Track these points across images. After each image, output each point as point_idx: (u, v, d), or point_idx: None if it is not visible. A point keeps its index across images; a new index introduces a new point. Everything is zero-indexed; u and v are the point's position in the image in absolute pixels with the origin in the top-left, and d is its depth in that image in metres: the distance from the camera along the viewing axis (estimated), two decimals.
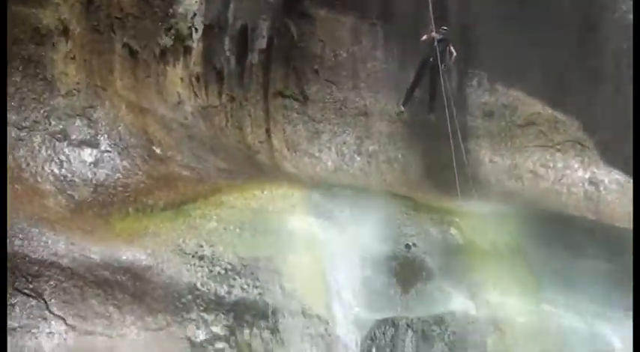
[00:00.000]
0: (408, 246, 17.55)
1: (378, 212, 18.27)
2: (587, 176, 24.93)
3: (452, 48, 22.77)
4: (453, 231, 18.45)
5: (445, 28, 22.86)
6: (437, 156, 21.58)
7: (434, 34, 22.50)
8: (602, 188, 24.68)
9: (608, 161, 24.82)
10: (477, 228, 18.74)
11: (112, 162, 17.52)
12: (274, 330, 14.99)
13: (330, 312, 15.66)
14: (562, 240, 18.89)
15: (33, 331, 13.70)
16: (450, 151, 21.64)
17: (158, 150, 18.81)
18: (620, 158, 24.22)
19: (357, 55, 24.78)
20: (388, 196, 19.86)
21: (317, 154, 23.56)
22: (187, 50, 21.46)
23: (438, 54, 22.33)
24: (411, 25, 24.82)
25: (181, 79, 21.25)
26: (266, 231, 16.39)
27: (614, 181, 24.64)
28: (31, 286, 13.88)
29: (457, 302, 16.75)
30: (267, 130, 23.05)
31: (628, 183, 24.28)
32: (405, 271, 17.13)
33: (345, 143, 24.03)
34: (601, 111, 24.41)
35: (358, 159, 23.97)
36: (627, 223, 21.14)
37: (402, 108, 23.17)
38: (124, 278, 14.55)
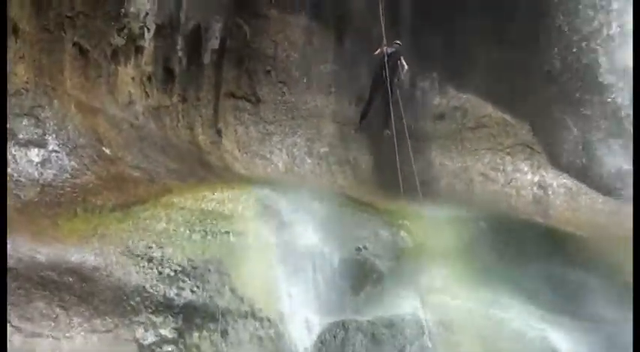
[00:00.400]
0: (358, 249, 17.55)
1: (329, 214, 18.29)
2: (536, 179, 25.02)
3: (403, 61, 22.49)
4: (403, 233, 18.47)
5: (398, 42, 22.66)
6: (388, 158, 21.55)
7: (385, 48, 22.31)
8: (550, 192, 24.79)
9: (557, 165, 24.98)
10: (428, 231, 18.78)
11: (60, 162, 17.37)
12: (224, 333, 14.89)
13: (281, 315, 15.58)
14: (511, 243, 18.97)
15: None
16: (402, 154, 21.59)
17: (108, 151, 18.69)
18: (569, 162, 24.41)
19: (310, 57, 24.75)
20: (339, 198, 19.88)
21: (268, 155, 23.52)
22: (139, 50, 21.34)
23: (387, 69, 22.02)
24: (362, 26, 24.89)
25: (133, 78, 21.13)
26: (216, 232, 16.32)
27: (562, 185, 24.75)
28: None
29: (407, 306, 16.68)
30: (219, 131, 22.98)
31: (576, 186, 24.48)
32: (356, 274, 17.10)
33: (296, 144, 24.01)
34: (549, 114, 24.54)
35: (309, 160, 23.95)
36: (574, 227, 21.32)
37: (360, 125, 22.75)
38: (71, 279, 14.41)
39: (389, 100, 21.79)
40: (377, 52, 22.71)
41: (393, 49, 22.31)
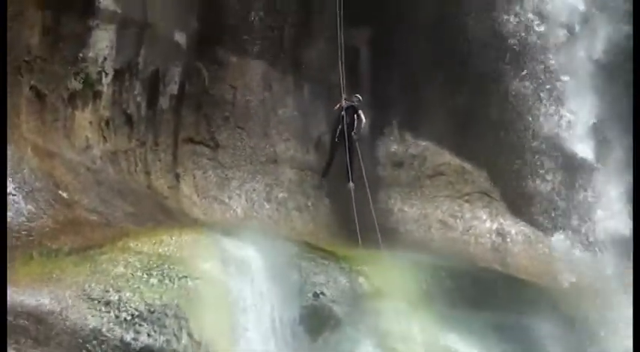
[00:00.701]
0: (316, 295, 17.50)
1: (287, 260, 18.25)
2: (494, 227, 25.17)
3: (361, 114, 22.24)
4: (361, 279, 18.45)
5: (358, 96, 22.52)
6: (346, 204, 21.55)
7: (344, 101, 22.03)
8: (509, 239, 24.94)
9: (515, 212, 25.12)
10: (386, 278, 18.79)
11: (16, 205, 17.20)
12: None
13: None
14: (469, 291, 19.06)
15: None
16: (359, 200, 21.55)
17: (64, 194, 18.55)
18: (526, 209, 24.55)
19: (268, 102, 24.72)
20: (297, 244, 19.81)
21: (226, 201, 23.44)
22: (97, 94, 21.27)
23: (345, 123, 21.82)
24: (321, 73, 25.00)
25: (90, 122, 21.03)
26: (174, 277, 16.14)
27: (520, 233, 24.92)
28: None
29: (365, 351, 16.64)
30: (177, 176, 22.87)
31: (534, 234, 24.62)
32: (313, 319, 17.07)
33: (254, 190, 23.93)
34: (507, 162, 24.72)
35: (267, 206, 23.90)
36: (532, 275, 21.41)
37: (323, 181, 22.36)
38: (26, 322, 14.21)
39: (349, 154, 21.51)
40: (336, 107, 22.54)
41: (352, 103, 22.06)
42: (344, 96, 21.86)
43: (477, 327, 17.68)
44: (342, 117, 21.81)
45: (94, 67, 21.06)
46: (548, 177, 24.09)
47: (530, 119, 24.47)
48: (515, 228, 25.03)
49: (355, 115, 21.76)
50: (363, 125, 22.51)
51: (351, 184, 21.32)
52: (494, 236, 25.11)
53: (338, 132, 21.61)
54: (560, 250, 23.80)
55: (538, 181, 23.94)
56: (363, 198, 22.03)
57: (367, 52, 25.53)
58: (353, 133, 21.90)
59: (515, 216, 25.11)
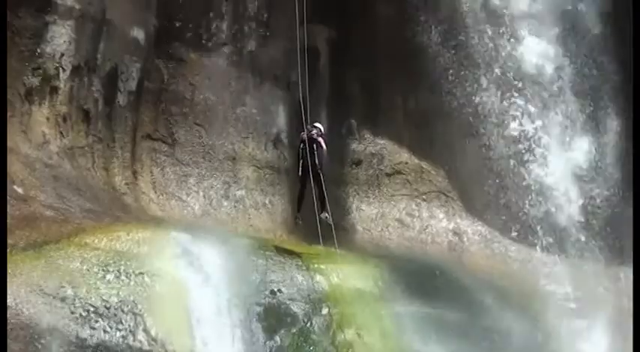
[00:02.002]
0: (273, 292, 17.50)
1: (245, 257, 18.27)
2: (451, 226, 25.31)
3: (322, 142, 21.54)
4: (318, 277, 18.47)
5: (317, 125, 21.79)
6: (304, 202, 21.49)
7: (304, 134, 21.29)
8: (465, 239, 25.08)
9: (471, 212, 25.24)
10: (343, 275, 18.82)
11: None
12: None
13: None
14: (425, 289, 19.09)
15: None
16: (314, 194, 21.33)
17: (20, 190, 18.43)
18: (483, 210, 24.68)
19: (227, 100, 24.70)
20: (254, 242, 19.82)
21: (184, 198, 23.36)
22: (54, 90, 21.16)
23: (308, 154, 21.04)
24: (281, 71, 25.02)
25: (47, 118, 20.92)
26: (131, 273, 16.11)
27: (477, 232, 25.07)
28: None
29: (321, 350, 16.68)
30: (135, 172, 22.77)
31: (490, 234, 24.76)
32: (270, 317, 17.05)
33: (212, 187, 23.89)
34: (464, 162, 24.83)
35: (225, 203, 23.85)
36: (488, 274, 21.52)
37: (298, 215, 21.70)
38: None
39: (321, 186, 20.83)
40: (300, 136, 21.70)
41: (312, 133, 21.13)
42: (307, 127, 21.11)
43: (433, 325, 17.74)
44: (306, 148, 20.77)
45: (52, 62, 20.96)
46: (505, 178, 24.17)
47: (490, 120, 24.58)
48: (472, 228, 25.19)
49: (315, 145, 20.88)
50: (324, 153, 21.53)
51: (324, 215, 20.55)
52: (450, 235, 25.25)
53: (300, 165, 20.76)
54: (516, 249, 24.00)
55: (495, 182, 23.98)
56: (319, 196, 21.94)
57: (327, 51, 25.58)
58: (317, 165, 20.86)
59: (471, 216, 25.25)
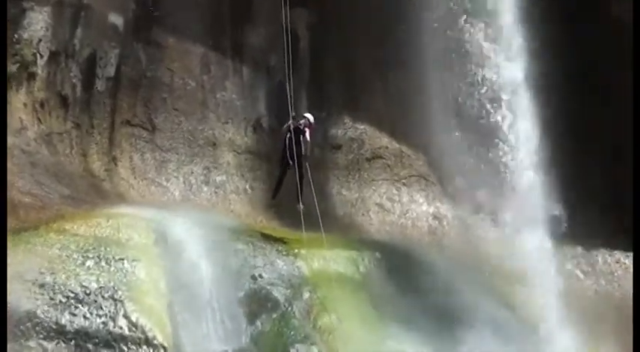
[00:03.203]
0: (254, 277, 17.50)
1: (225, 243, 18.27)
2: (431, 211, 25.33)
3: (307, 135, 20.77)
4: (299, 262, 18.48)
5: (307, 115, 21.08)
6: (284, 187, 21.47)
7: (289, 123, 20.67)
8: (445, 223, 25.12)
9: (451, 196, 25.25)
10: (324, 260, 18.83)
11: None
12: None
13: (175, 342, 15.33)
14: (406, 273, 19.11)
15: None
16: (296, 183, 21.31)
17: None
18: (463, 194, 24.65)
19: (207, 85, 24.64)
20: (235, 227, 19.80)
21: (164, 183, 23.32)
22: (32, 76, 21.17)
23: (293, 144, 20.97)
24: (260, 56, 24.96)
25: (25, 104, 20.90)
26: (110, 259, 16.08)
27: (457, 217, 25.10)
28: None
29: (302, 335, 16.64)
30: (114, 158, 22.70)
31: (470, 218, 24.78)
32: (252, 302, 17.05)
33: (192, 172, 23.86)
34: (444, 146, 24.77)
35: (206, 189, 23.83)
36: (468, 258, 21.54)
37: (273, 201, 21.64)
38: None
39: (301, 176, 20.70)
40: (283, 129, 21.03)
41: (298, 124, 21.00)
42: (292, 114, 20.97)
43: (413, 309, 17.76)
44: (291, 138, 20.65)
45: (29, 48, 20.96)
46: (485, 162, 24.16)
47: (470, 105, 24.53)
48: (452, 212, 25.22)
49: (301, 137, 20.76)
50: (308, 146, 21.40)
51: (301, 206, 20.47)
52: (430, 219, 25.27)
53: (288, 154, 20.58)
54: (496, 234, 24.03)
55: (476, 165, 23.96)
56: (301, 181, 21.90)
57: (307, 34, 25.50)
58: (301, 153, 20.71)
59: (451, 200, 25.27)
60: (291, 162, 20.16)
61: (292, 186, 20.46)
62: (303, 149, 20.30)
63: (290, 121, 20.41)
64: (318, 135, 24.99)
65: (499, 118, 23.44)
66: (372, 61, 25.02)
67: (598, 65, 24.89)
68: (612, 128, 24.93)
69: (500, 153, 23.13)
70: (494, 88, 23.78)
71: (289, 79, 20.65)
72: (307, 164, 20.35)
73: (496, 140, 23.05)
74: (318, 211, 20.13)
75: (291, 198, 20.18)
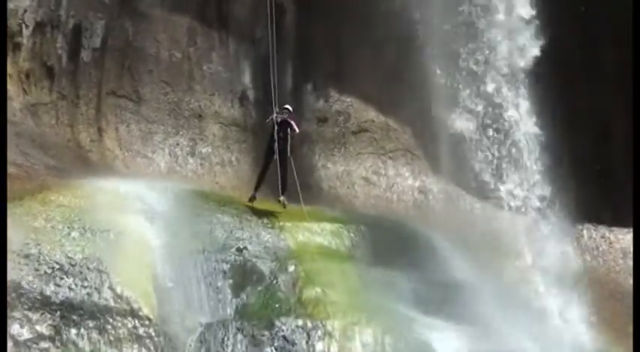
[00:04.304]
0: (239, 250, 17.54)
1: (211, 215, 18.29)
2: (416, 184, 25.36)
3: (294, 126, 20.64)
4: (284, 235, 18.50)
5: (287, 107, 20.99)
6: (270, 160, 21.46)
7: (275, 116, 20.48)
8: (430, 197, 25.15)
9: (437, 170, 25.26)
10: (309, 233, 18.87)
11: None
12: (102, 330, 14.59)
13: (160, 314, 15.33)
14: (391, 247, 19.15)
15: None
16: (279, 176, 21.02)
17: None
18: (448, 168, 24.68)
19: (193, 57, 24.59)
20: (220, 199, 19.79)
21: (150, 155, 23.30)
22: (17, 46, 21.10)
23: (279, 138, 20.29)
24: (246, 28, 24.88)
25: (10, 75, 20.77)
26: (96, 230, 16.09)
27: (442, 191, 25.14)
28: None
29: (287, 307, 16.67)
30: (100, 129, 22.66)
31: (455, 192, 24.84)
32: (237, 274, 17.10)
33: (178, 144, 23.85)
34: (431, 120, 24.76)
35: (191, 160, 23.82)
36: (453, 232, 21.60)
37: (255, 194, 21.41)
38: None
39: (285, 168, 20.48)
40: (267, 121, 20.95)
41: (284, 116, 20.82)
42: (276, 110, 20.76)
43: (398, 282, 17.80)
44: (276, 132, 20.40)
45: (14, 19, 20.87)
46: (473, 137, 24.14)
47: (456, 77, 24.49)
48: (437, 186, 25.26)
49: (289, 129, 20.58)
50: (295, 135, 21.19)
51: (282, 198, 20.34)
52: (416, 193, 25.30)
53: (275, 147, 20.36)
54: (481, 207, 24.13)
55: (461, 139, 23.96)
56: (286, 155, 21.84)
57: (293, 7, 25.38)
58: (287, 147, 20.53)
59: (437, 174, 25.29)
60: (275, 156, 20.11)
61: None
62: (290, 142, 20.27)
63: (274, 115, 20.30)
64: (303, 108, 25.13)
65: (492, 91, 23.51)
66: (358, 34, 24.93)
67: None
68: (601, 105, 25.02)
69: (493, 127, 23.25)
70: (488, 61, 23.85)
71: (273, 61, 20.68)
72: (291, 158, 20.29)
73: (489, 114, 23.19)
74: (297, 183, 20.16)
75: (275, 170, 20.17)
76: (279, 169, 20.16)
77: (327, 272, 17.70)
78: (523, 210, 22.55)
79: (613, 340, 19.23)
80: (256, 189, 20.48)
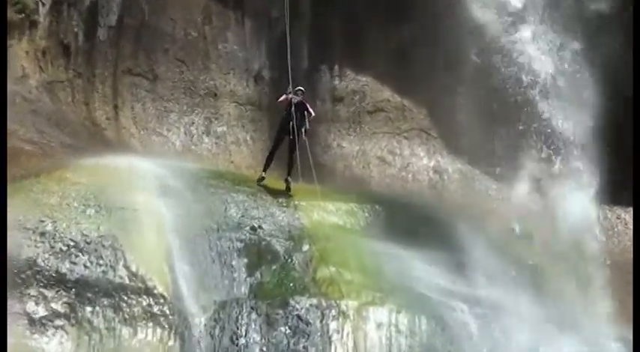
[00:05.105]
0: (254, 229, 17.56)
1: (225, 193, 18.31)
2: (431, 164, 25.31)
3: (310, 108, 20.34)
4: (299, 214, 18.51)
5: (300, 88, 20.41)
6: (284, 139, 21.42)
7: (291, 95, 20.05)
8: (445, 177, 25.10)
9: (452, 150, 25.22)
10: (324, 212, 18.87)
11: None
12: (117, 308, 14.69)
13: (175, 292, 15.42)
14: (406, 226, 19.12)
15: None
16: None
17: None
18: (464, 148, 24.63)
19: (208, 36, 24.58)
20: (235, 178, 19.80)
21: (165, 133, 23.35)
22: (33, 24, 21.19)
23: (295, 119, 19.84)
24: (262, 7, 24.84)
25: (26, 52, 20.95)
26: (111, 208, 16.15)
27: (457, 171, 25.09)
28: None
29: (301, 286, 16.70)
30: (115, 107, 22.72)
31: (470, 172, 24.80)
32: (251, 253, 17.10)
33: (193, 123, 23.88)
34: (446, 100, 24.69)
35: (206, 139, 23.84)
36: (468, 212, 21.58)
37: (264, 175, 21.27)
38: None
39: (295, 150, 20.26)
40: (281, 99, 20.42)
41: (299, 99, 20.61)
42: (290, 88, 20.54)
43: (412, 261, 17.79)
44: (293, 112, 20.18)
45: None
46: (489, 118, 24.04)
47: (474, 57, 24.41)
48: (452, 166, 25.21)
49: (305, 111, 20.40)
50: (311, 119, 20.96)
51: (290, 179, 20.12)
52: (431, 173, 25.27)
53: (291, 127, 20.09)
54: (497, 188, 24.08)
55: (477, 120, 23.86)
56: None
57: None
58: (302, 129, 20.38)
59: (452, 154, 25.24)
60: (291, 136, 19.89)
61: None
62: (307, 123, 20.10)
63: (291, 95, 20.02)
64: (319, 87, 25.11)
65: (510, 73, 23.41)
66: (374, 13, 24.86)
67: None
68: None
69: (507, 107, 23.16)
70: (502, 40, 23.75)
71: (288, 40, 20.55)
72: (306, 138, 20.10)
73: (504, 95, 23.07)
74: (311, 161, 20.02)
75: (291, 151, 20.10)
76: (295, 150, 19.97)
77: (342, 251, 17.69)
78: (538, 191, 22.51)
79: (626, 319, 19.21)
80: (265, 169, 20.28)
